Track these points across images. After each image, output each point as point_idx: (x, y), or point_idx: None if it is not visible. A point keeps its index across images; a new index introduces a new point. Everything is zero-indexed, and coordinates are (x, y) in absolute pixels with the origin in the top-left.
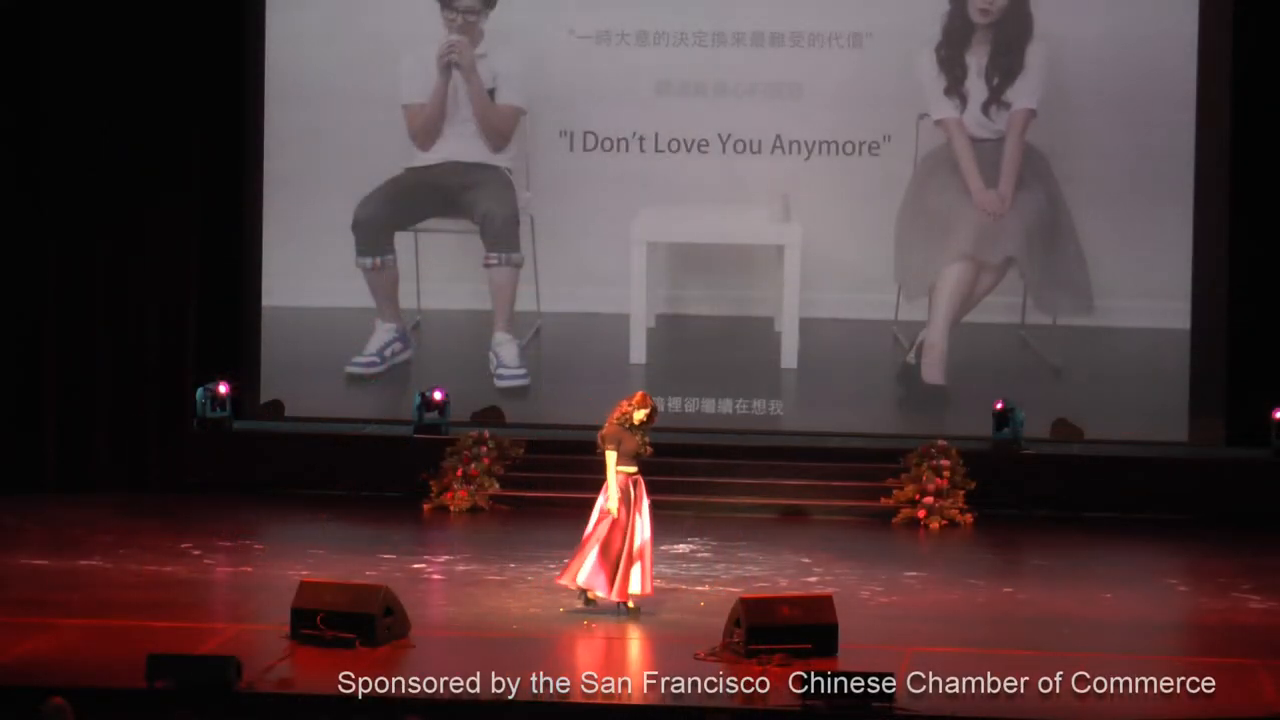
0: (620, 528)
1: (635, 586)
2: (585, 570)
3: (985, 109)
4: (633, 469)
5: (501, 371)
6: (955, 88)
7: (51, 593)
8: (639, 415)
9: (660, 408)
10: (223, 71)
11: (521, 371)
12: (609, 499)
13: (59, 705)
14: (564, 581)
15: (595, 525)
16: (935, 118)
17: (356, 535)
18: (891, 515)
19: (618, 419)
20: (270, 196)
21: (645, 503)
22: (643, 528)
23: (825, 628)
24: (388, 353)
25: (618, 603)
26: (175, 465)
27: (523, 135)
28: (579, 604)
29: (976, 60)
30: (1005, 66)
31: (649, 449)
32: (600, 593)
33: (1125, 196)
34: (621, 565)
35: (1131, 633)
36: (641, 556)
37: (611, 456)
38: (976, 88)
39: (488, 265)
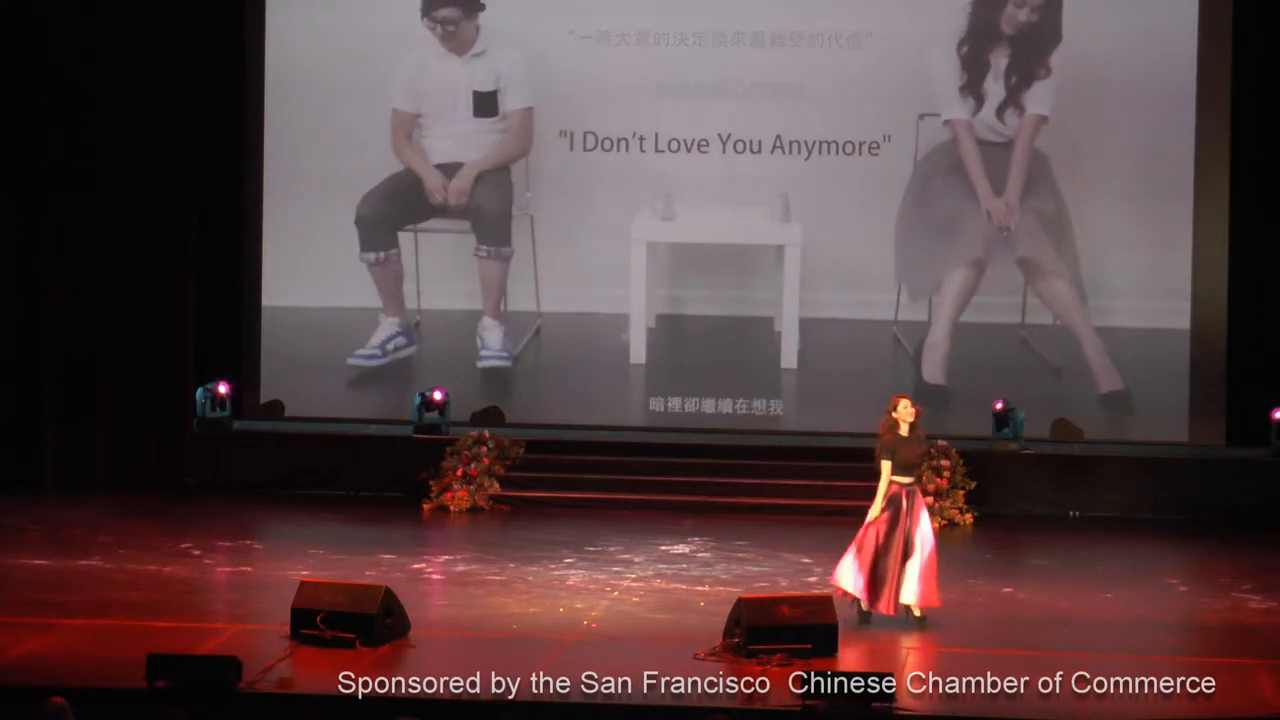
0: (880, 536)
1: (909, 596)
2: (841, 572)
3: (999, 112)
4: (908, 479)
5: (484, 353)
6: (973, 87)
7: (51, 593)
8: (902, 413)
9: (665, 408)
10: (223, 71)
11: (504, 353)
12: (873, 507)
13: (59, 705)
14: (839, 585)
15: (862, 535)
16: (945, 117)
17: (356, 535)
18: None
19: (887, 427)
20: (270, 196)
21: (923, 514)
22: (922, 540)
23: (825, 628)
24: (390, 346)
25: (858, 607)
26: (175, 465)
27: (523, 135)
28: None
29: (997, 61)
30: (1027, 71)
31: (924, 451)
32: (857, 594)
33: (1125, 197)
34: (886, 575)
35: (1131, 633)
36: (909, 565)
37: (886, 466)
38: (994, 89)
39: (478, 256)
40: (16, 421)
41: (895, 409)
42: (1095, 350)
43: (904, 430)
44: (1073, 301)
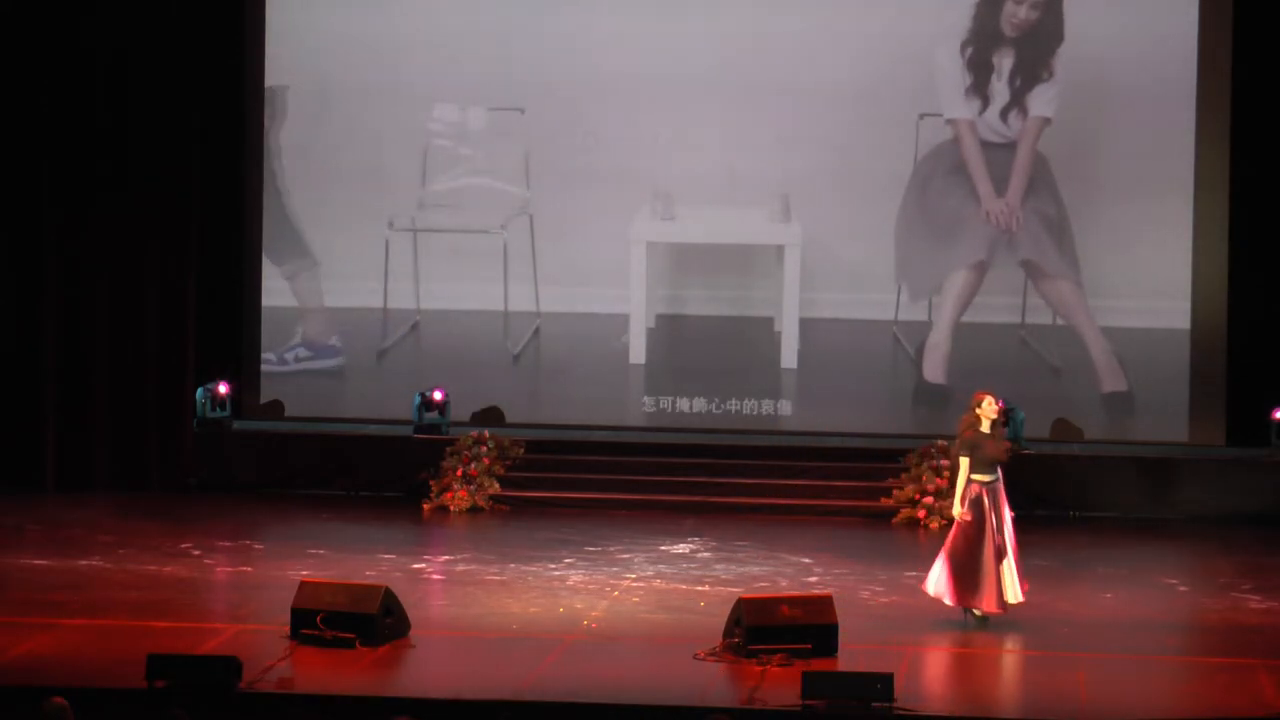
0: (971, 537)
1: (1013, 595)
2: (931, 578)
3: (1004, 114)
4: (990, 477)
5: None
6: (978, 89)
7: (51, 593)
8: (985, 410)
9: (662, 407)
10: (223, 71)
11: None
12: (953, 506)
13: (59, 705)
14: (929, 591)
15: (951, 539)
16: (948, 117)
17: (356, 535)
18: (891, 515)
19: (968, 424)
20: (270, 196)
21: (1005, 510)
22: (1009, 536)
23: (825, 628)
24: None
25: (965, 611)
26: (175, 465)
27: (524, 134)
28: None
29: (1002, 63)
30: (1031, 73)
31: (1007, 448)
32: (948, 601)
33: (1125, 196)
34: (985, 575)
35: (1131, 633)
36: (1006, 562)
37: (964, 463)
38: (998, 91)
39: None
40: (16, 421)
41: (979, 405)
42: (1101, 350)
43: (985, 427)
44: (1078, 302)
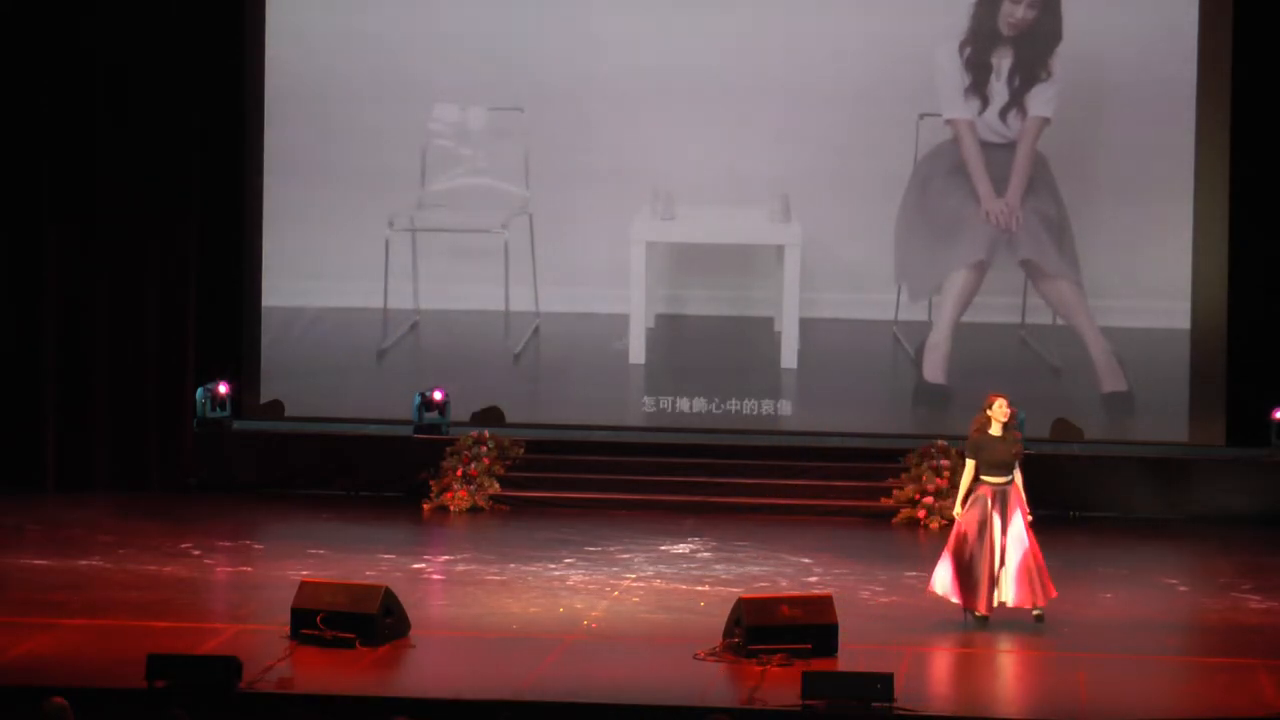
0: (969, 537)
1: (1006, 596)
2: (936, 577)
3: (1003, 114)
4: (999, 479)
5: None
6: (977, 88)
7: (51, 593)
8: (995, 412)
9: (662, 407)
10: (224, 71)
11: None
12: (955, 505)
13: (59, 705)
14: (933, 589)
15: (952, 538)
16: (947, 117)
17: (356, 535)
18: (891, 515)
19: (978, 426)
20: (270, 196)
21: (1016, 514)
22: (1016, 539)
23: (825, 628)
24: None
25: (965, 610)
26: (175, 465)
27: (524, 134)
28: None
29: (1000, 63)
30: (1029, 72)
31: (1018, 451)
32: (955, 599)
33: (1125, 196)
34: (979, 576)
35: (1131, 633)
36: (1005, 566)
37: (969, 465)
38: (998, 91)
39: None
40: (16, 421)
41: (989, 407)
42: (1100, 350)
43: (995, 430)
44: (1077, 302)
